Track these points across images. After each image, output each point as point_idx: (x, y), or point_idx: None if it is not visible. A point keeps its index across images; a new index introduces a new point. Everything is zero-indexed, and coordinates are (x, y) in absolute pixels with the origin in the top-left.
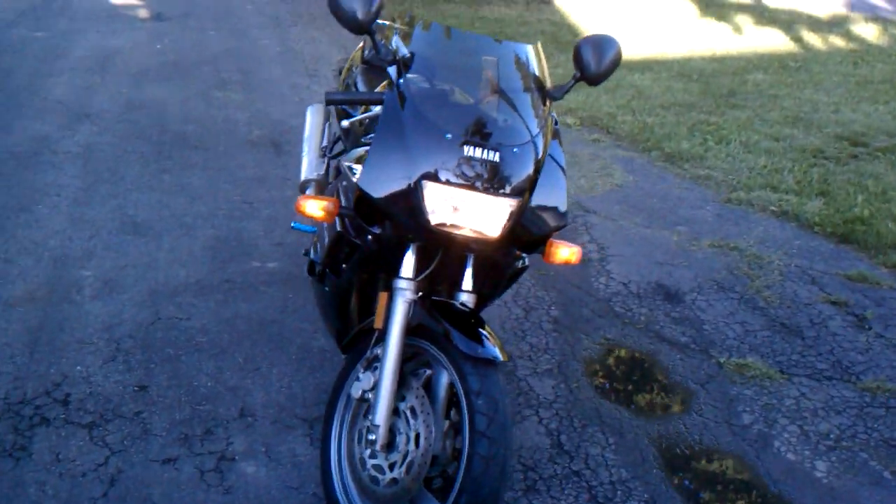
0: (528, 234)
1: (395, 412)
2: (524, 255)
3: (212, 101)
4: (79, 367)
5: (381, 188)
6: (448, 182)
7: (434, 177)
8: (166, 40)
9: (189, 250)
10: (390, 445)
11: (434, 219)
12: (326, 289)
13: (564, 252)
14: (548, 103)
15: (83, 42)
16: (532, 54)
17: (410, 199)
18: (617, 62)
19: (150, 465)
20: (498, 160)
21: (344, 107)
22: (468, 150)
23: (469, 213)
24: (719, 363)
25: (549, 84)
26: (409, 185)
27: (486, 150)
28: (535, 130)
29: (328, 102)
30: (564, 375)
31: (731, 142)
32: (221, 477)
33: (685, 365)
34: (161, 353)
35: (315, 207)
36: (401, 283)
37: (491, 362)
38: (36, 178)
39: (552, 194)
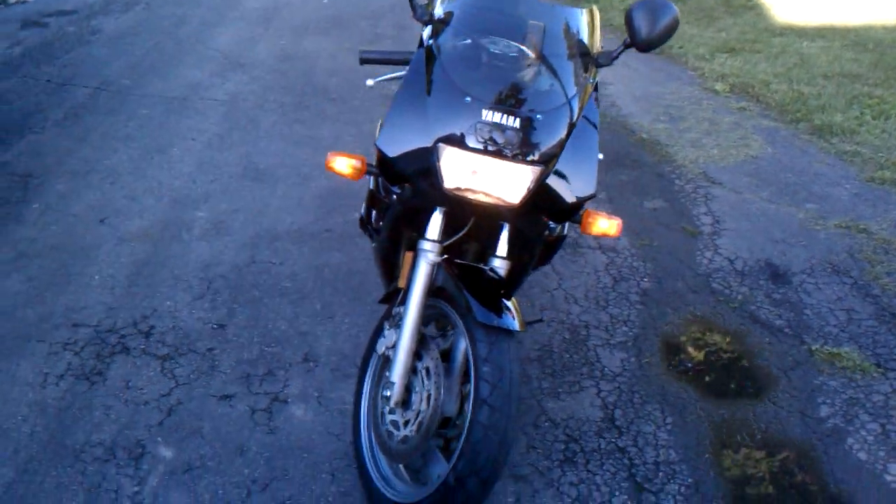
0: (553, 202)
1: (413, 371)
2: (553, 224)
3: None
4: (168, 303)
5: (397, 148)
6: (465, 146)
7: (451, 140)
8: None
9: (299, 199)
10: (406, 403)
11: (449, 182)
12: (373, 244)
13: (603, 224)
14: (591, 70)
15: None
16: (584, 19)
17: (426, 162)
18: (672, 29)
19: (209, 399)
20: (518, 126)
21: None
22: (487, 115)
23: (487, 178)
24: (811, 350)
25: (597, 49)
26: (426, 147)
27: (506, 116)
28: (568, 97)
29: (362, 61)
30: (638, 349)
31: (892, 117)
32: (270, 417)
33: (773, 349)
34: (247, 294)
35: (344, 164)
36: (425, 245)
37: (505, 331)
38: (179, 123)
39: (582, 165)
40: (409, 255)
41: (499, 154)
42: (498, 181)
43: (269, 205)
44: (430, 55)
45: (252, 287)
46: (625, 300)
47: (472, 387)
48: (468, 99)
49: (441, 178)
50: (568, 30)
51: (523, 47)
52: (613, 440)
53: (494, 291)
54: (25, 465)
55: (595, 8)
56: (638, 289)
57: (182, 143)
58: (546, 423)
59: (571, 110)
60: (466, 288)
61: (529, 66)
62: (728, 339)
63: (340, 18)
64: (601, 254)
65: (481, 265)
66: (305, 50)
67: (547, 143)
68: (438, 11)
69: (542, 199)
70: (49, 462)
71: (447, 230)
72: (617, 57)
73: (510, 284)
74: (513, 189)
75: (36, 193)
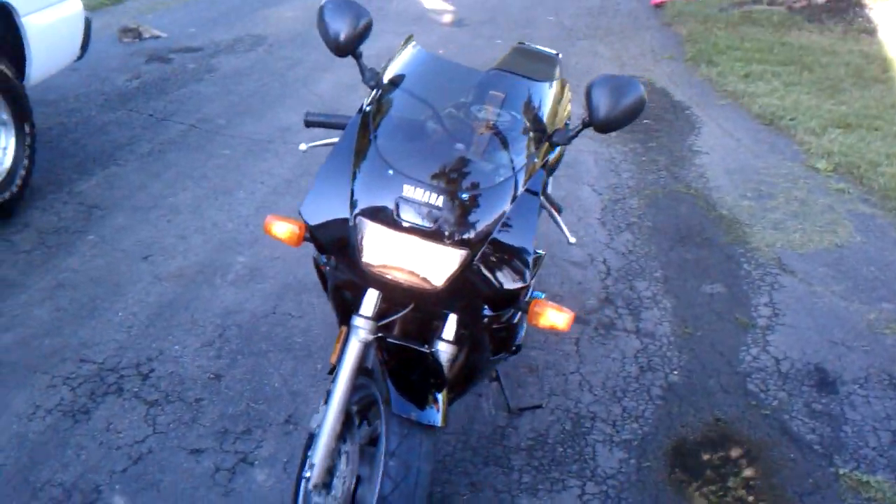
0: (486, 287)
1: (338, 453)
2: (492, 311)
3: None
4: (176, 347)
5: (320, 217)
6: (386, 222)
7: (373, 214)
8: (451, 46)
9: None
10: (327, 486)
11: (368, 258)
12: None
13: (552, 316)
14: (542, 148)
15: (376, 43)
16: (550, 93)
17: (348, 235)
18: (635, 110)
19: (179, 451)
20: (442, 204)
21: None
22: (408, 191)
23: (408, 258)
24: (837, 474)
25: (561, 125)
26: (348, 219)
27: (431, 193)
28: (508, 177)
29: (307, 124)
30: (642, 451)
31: None
32: (231, 478)
33: (795, 468)
34: (255, 346)
35: (282, 229)
36: (357, 321)
37: (422, 426)
38: (255, 165)
39: (515, 253)
40: (343, 330)
41: (422, 233)
42: (419, 262)
43: (306, 254)
44: (366, 123)
45: (262, 339)
46: (645, 393)
47: (376, 479)
48: (390, 172)
49: (360, 253)
50: (529, 104)
51: (471, 121)
52: None
53: (427, 380)
54: None
55: (566, 81)
56: (664, 382)
57: (250, 185)
58: None
59: (510, 192)
60: (398, 372)
61: (473, 141)
62: (747, 450)
63: None
64: (635, 338)
65: (424, 348)
66: None
67: (476, 226)
68: (389, 74)
69: (471, 285)
70: (4, 498)
71: (390, 307)
72: (574, 136)
73: (456, 375)
74: (435, 272)
75: (96, 225)
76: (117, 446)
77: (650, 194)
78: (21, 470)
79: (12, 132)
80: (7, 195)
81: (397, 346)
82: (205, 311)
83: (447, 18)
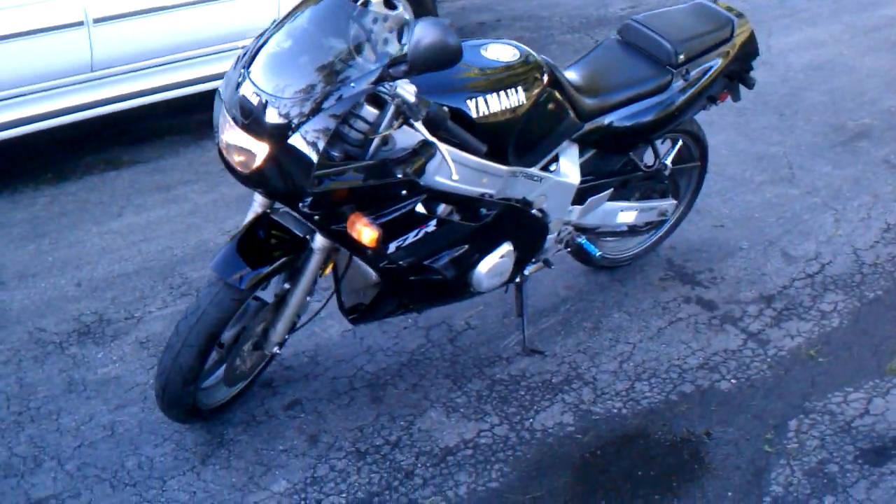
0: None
1: None
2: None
3: None
4: None
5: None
6: (224, 104)
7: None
8: None
9: None
10: None
11: (218, 137)
12: None
13: (363, 231)
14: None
15: None
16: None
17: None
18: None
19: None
20: (258, 102)
21: None
22: (243, 83)
23: (231, 141)
24: None
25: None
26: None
27: (255, 89)
28: (316, 91)
29: None
30: None
31: None
32: None
33: None
34: None
35: None
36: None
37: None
38: None
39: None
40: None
41: (240, 122)
42: (237, 146)
43: None
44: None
45: None
46: None
47: None
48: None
49: (216, 130)
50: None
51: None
52: None
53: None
54: None
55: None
56: None
57: None
58: None
59: (310, 106)
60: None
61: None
62: None
63: None
64: None
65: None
66: None
67: (278, 121)
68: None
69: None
70: None
71: None
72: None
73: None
74: (246, 157)
75: None
76: None
77: None
78: None
79: None
80: None
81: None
82: None
83: None
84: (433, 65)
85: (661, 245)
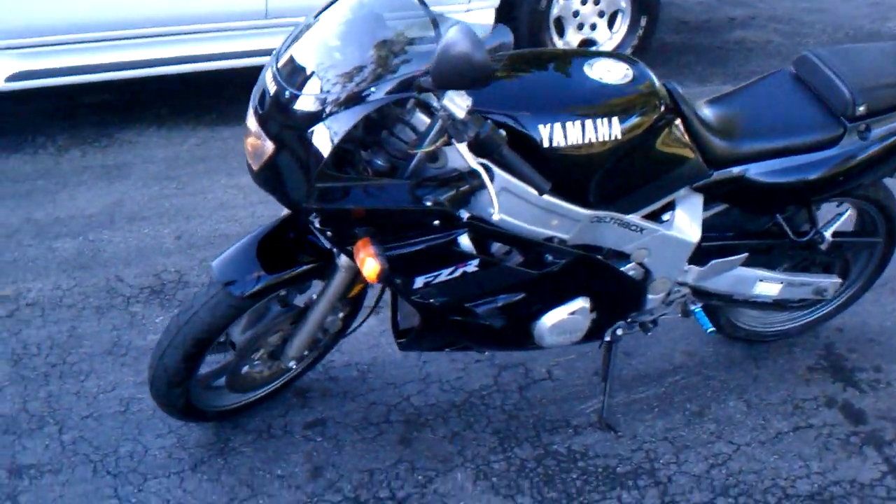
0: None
1: None
2: None
3: None
4: None
5: None
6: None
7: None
8: None
9: None
10: None
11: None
12: None
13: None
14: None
15: None
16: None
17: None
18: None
19: None
20: (274, 93)
21: None
22: (267, 74)
23: (251, 128)
24: None
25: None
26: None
27: (275, 80)
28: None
29: None
30: None
31: None
32: None
33: None
34: None
35: None
36: None
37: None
38: None
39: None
40: None
41: (259, 114)
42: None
43: None
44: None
45: None
46: None
47: None
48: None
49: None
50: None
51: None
52: None
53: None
54: None
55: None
56: None
57: None
58: None
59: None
60: None
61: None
62: None
63: None
64: None
65: None
66: None
67: (289, 123)
68: None
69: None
70: None
71: None
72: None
73: None
74: (256, 153)
75: None
76: None
77: None
78: None
79: None
80: None
81: None
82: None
83: None
84: (456, 81)
85: (825, 323)
